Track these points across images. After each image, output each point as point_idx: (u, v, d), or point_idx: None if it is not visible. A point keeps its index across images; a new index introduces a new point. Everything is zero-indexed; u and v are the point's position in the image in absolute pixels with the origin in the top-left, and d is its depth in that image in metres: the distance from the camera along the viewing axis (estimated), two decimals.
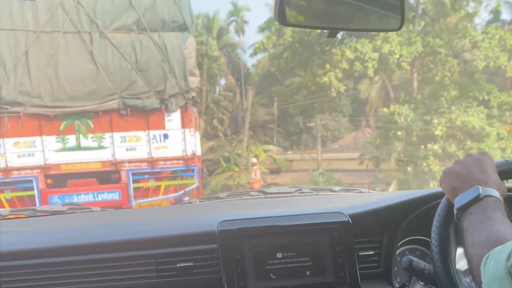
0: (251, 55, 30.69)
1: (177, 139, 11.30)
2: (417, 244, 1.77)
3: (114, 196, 10.91)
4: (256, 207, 2.20)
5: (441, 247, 1.25)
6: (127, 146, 11.05)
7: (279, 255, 1.62)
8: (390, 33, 18.30)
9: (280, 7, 1.16)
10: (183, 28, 11.04)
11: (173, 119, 11.22)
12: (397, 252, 1.74)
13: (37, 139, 10.57)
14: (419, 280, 1.52)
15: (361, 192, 2.50)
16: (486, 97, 18.20)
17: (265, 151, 24.02)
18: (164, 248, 1.66)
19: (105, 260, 1.64)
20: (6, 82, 10.21)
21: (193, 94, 11.37)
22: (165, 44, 10.87)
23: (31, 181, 10.52)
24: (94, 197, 10.78)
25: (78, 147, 10.82)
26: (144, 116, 11.03)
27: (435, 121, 17.72)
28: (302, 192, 2.42)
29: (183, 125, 11.28)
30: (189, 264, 1.63)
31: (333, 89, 20.15)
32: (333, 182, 19.23)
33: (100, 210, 2.35)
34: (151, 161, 11.20)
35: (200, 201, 2.53)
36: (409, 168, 18.73)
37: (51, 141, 10.68)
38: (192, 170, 11.55)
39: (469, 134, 17.68)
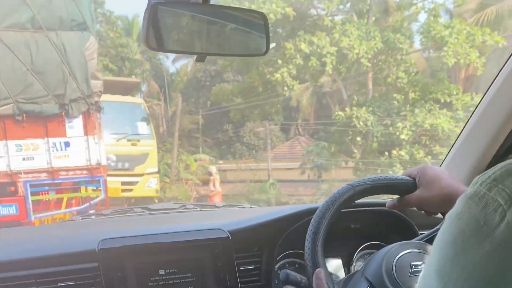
0: (174, 61, 30.13)
1: (79, 148, 10.82)
2: (295, 257, 1.86)
3: (11, 210, 10.28)
4: (140, 224, 2.24)
5: (312, 259, 1.33)
6: (24, 155, 10.44)
7: (161, 271, 1.67)
8: (348, 26, 17.75)
9: (147, 32, 1.20)
10: (83, 27, 10.49)
11: (75, 126, 10.75)
12: (277, 265, 1.83)
13: None
14: None
15: (243, 207, 2.66)
16: (448, 99, 17.62)
17: (196, 160, 23.43)
18: (44, 268, 1.64)
19: None
20: None
21: (96, 98, 10.90)
22: (64, 44, 10.32)
23: None
24: None
25: None
26: (42, 122, 10.46)
27: (400, 124, 17.16)
28: (186, 208, 2.52)
29: (86, 132, 10.83)
30: (71, 283, 1.63)
31: (286, 88, 19.51)
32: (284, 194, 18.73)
33: None
34: (51, 171, 10.65)
35: (82, 219, 2.55)
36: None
37: None
38: (98, 181, 11.13)
39: (435, 139, 17.25)
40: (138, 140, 16.11)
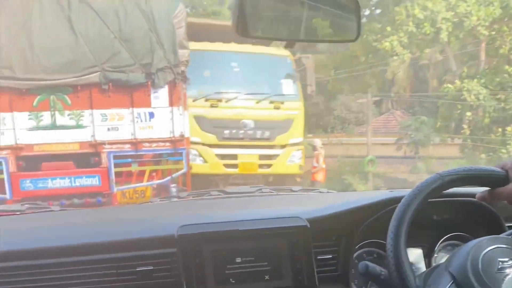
0: None
1: (164, 119, 10.65)
2: (374, 246, 1.85)
3: (94, 181, 10.26)
4: (217, 208, 2.29)
5: (395, 251, 1.32)
6: (109, 125, 10.35)
7: (238, 259, 1.70)
8: None
9: (238, 19, 1.25)
10: None
11: (160, 96, 10.56)
12: (355, 255, 1.84)
13: (6, 115, 9.78)
14: (376, 284, 1.56)
15: (320, 192, 2.66)
16: None
17: None
18: (123, 252, 1.70)
19: (63, 264, 1.65)
20: None
21: (183, 68, 10.67)
22: (153, 12, 10.11)
23: (0, 164, 9.82)
24: (71, 182, 10.10)
25: (54, 126, 10.04)
26: (128, 92, 10.31)
27: None
28: (262, 192, 2.56)
29: (171, 103, 10.64)
30: (149, 268, 1.67)
31: (395, 57, 18.46)
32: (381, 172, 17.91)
33: (59, 210, 2.41)
34: (135, 143, 10.52)
35: (160, 201, 2.65)
36: (482, 155, 16.92)
37: (23, 118, 9.87)
38: (180, 154, 10.95)
39: None
40: (282, 102, 13.47)
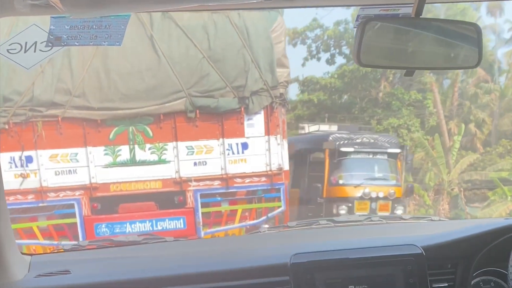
0: None
1: (259, 150, 9.95)
2: (491, 275, 1.92)
3: (178, 224, 9.69)
4: (327, 237, 2.44)
5: None
6: (195, 159, 9.76)
7: (351, 287, 1.82)
8: None
9: (358, 50, 1.31)
10: None
11: (255, 124, 9.89)
12: (472, 282, 1.92)
13: (80, 150, 9.31)
14: None
15: (432, 220, 2.78)
16: None
17: None
18: (238, 280, 1.85)
19: None
20: (40, 77, 8.84)
21: (282, 90, 9.91)
22: (247, 26, 9.40)
23: (72, 206, 9.32)
24: (152, 225, 9.53)
25: (133, 161, 9.54)
26: (218, 120, 9.72)
27: None
28: (371, 221, 2.68)
29: (268, 132, 9.91)
30: None
31: None
32: None
33: (173, 240, 2.60)
34: (226, 179, 9.89)
35: (269, 230, 2.84)
36: None
37: (98, 153, 9.38)
38: (278, 190, 10.20)
39: None
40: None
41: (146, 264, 2.07)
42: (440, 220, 2.81)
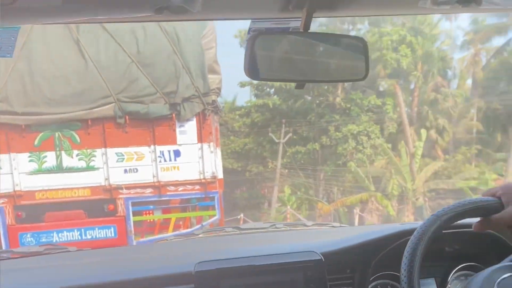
0: None
1: (192, 157, 9.85)
2: (388, 278, 2.03)
3: (108, 233, 9.52)
4: (232, 244, 2.52)
5: (409, 283, 1.43)
6: (126, 166, 9.62)
7: None
8: None
9: (249, 62, 1.36)
10: None
11: (187, 131, 9.78)
12: (369, 287, 2.01)
13: (3, 157, 9.10)
14: None
15: (333, 226, 2.94)
16: None
17: None
18: None
19: None
20: None
21: (214, 97, 9.86)
22: (177, 31, 9.29)
23: None
24: (81, 234, 9.35)
25: (59, 168, 9.35)
26: (149, 126, 9.59)
27: None
28: (276, 228, 2.79)
29: (201, 139, 9.83)
30: None
31: None
32: None
33: (76, 250, 2.58)
34: (158, 187, 9.77)
35: (175, 238, 3.01)
36: None
37: (22, 160, 9.19)
38: (213, 198, 10.13)
39: None
40: None
41: (47, 276, 2.05)
42: (341, 226, 2.94)
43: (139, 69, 9.23)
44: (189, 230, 9.95)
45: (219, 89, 9.97)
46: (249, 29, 1.39)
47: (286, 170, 24.27)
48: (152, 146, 9.64)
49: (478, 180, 21.25)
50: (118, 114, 9.30)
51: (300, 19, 1.37)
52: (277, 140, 23.46)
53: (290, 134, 23.55)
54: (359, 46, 1.49)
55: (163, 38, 9.26)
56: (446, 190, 22.31)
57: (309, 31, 1.38)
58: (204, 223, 10.20)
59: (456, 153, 24.48)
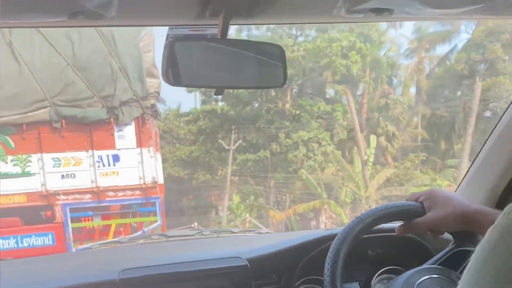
0: None
1: (131, 162, 9.80)
2: (313, 283, 2.01)
3: (46, 240, 9.41)
4: (158, 252, 2.43)
5: (332, 285, 1.48)
6: (63, 171, 9.52)
7: None
8: None
9: (166, 69, 1.34)
10: None
11: (126, 135, 9.74)
12: None
13: None
14: None
15: (260, 233, 3.01)
16: None
17: None
18: None
19: None
20: None
21: (152, 101, 9.85)
22: (113, 34, 9.25)
23: None
24: (17, 242, 9.22)
25: None
26: (86, 130, 9.53)
27: None
28: (203, 235, 2.84)
29: (140, 143, 9.78)
30: None
31: None
32: None
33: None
34: (97, 192, 9.71)
35: (100, 246, 2.89)
36: None
37: None
38: (154, 204, 10.10)
39: None
40: None
41: None
42: (267, 233, 3.02)
43: (75, 72, 9.15)
44: (130, 236, 9.89)
45: (158, 93, 9.96)
46: (167, 35, 1.39)
47: (236, 178, 24.20)
48: (90, 151, 9.56)
49: (430, 187, 21.61)
50: (54, 118, 9.21)
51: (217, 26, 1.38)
52: (227, 147, 23.32)
53: (240, 141, 23.51)
54: (277, 53, 1.50)
55: (99, 41, 9.20)
56: (399, 197, 22.45)
57: (227, 38, 1.40)
58: (145, 229, 10.11)
59: (404, 160, 24.80)
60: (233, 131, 23.07)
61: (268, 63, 1.51)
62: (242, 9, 1.33)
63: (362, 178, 21.79)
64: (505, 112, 1.89)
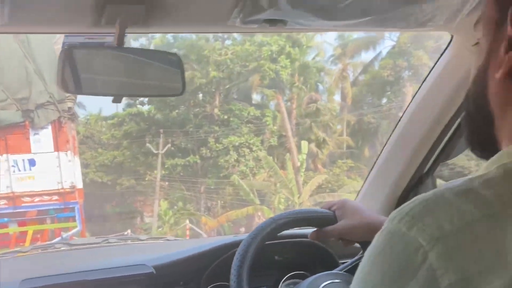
0: None
1: (48, 167, 9.63)
2: None
3: None
4: (63, 261, 2.31)
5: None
6: None
7: None
8: None
9: (62, 76, 1.30)
10: None
11: (42, 139, 9.59)
12: None
13: None
14: None
15: (168, 240, 3.01)
16: None
17: None
18: None
19: None
20: None
21: (70, 104, 9.74)
22: (28, 35, 9.03)
23: None
24: None
25: None
26: (0, 134, 9.35)
27: None
28: (109, 242, 2.72)
29: (57, 147, 9.65)
30: None
31: None
32: None
33: None
34: (13, 198, 9.52)
35: (1, 256, 2.61)
36: None
37: None
38: (72, 209, 9.95)
39: None
40: None
41: None
42: (175, 240, 3.03)
43: None
44: (48, 243, 9.73)
45: (75, 96, 9.81)
46: (63, 43, 1.34)
47: (166, 183, 24.01)
48: (4, 155, 9.39)
49: None
50: None
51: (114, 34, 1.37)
52: (155, 151, 23.12)
53: (169, 145, 23.33)
54: (174, 62, 1.51)
55: (12, 42, 9.07)
56: None
57: (123, 46, 1.37)
58: (64, 235, 9.91)
59: (333, 166, 25.16)
60: (161, 135, 22.81)
61: (166, 71, 1.53)
62: (138, 17, 1.32)
63: (296, 184, 21.84)
64: (399, 121, 1.97)
